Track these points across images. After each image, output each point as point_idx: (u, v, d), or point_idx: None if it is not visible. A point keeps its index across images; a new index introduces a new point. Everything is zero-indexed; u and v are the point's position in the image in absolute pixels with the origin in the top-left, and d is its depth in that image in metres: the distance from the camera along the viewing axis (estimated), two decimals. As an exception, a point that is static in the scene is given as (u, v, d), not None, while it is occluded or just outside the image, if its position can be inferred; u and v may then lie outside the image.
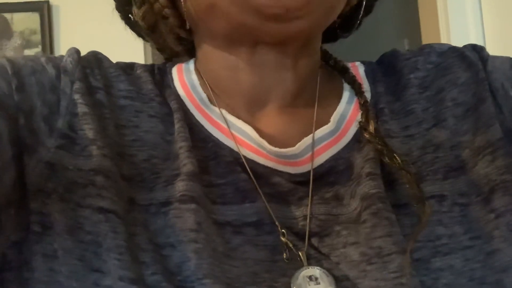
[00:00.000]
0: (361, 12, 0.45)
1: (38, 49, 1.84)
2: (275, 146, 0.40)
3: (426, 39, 1.83)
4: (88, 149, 0.37)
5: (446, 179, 0.40)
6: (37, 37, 1.84)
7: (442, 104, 0.43)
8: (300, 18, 0.38)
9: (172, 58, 0.50)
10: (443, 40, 1.69)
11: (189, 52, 0.47)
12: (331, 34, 0.47)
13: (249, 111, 0.42)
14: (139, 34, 0.50)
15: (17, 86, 0.38)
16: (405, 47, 2.47)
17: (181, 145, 0.39)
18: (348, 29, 0.48)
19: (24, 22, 1.85)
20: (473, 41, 1.65)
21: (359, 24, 0.47)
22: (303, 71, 0.43)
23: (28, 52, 1.84)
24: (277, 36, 0.39)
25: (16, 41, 1.85)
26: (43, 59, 0.41)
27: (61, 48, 1.85)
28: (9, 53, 1.85)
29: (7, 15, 1.85)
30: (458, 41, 1.66)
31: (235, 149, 0.40)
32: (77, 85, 0.40)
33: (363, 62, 0.48)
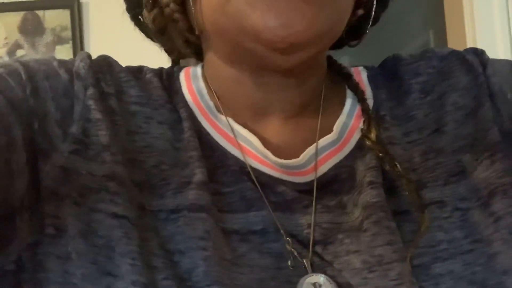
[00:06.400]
0: (370, 23, 0.45)
1: (69, 45, 1.87)
2: (280, 157, 0.40)
3: (451, 30, 1.81)
4: (101, 155, 0.38)
5: (447, 185, 0.41)
6: (68, 34, 1.87)
7: (443, 109, 0.44)
8: (304, 50, 0.38)
9: (180, 60, 0.51)
10: (468, 31, 1.67)
11: (197, 54, 0.48)
12: (338, 41, 0.47)
13: (254, 120, 0.43)
14: (148, 36, 0.50)
15: (31, 91, 0.38)
16: (430, 38, 2.44)
17: (191, 155, 0.40)
18: (354, 38, 0.47)
19: (56, 19, 1.88)
20: (499, 32, 1.63)
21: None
22: (308, 87, 0.43)
23: (59, 48, 1.88)
24: (281, 66, 0.40)
25: (48, 37, 1.88)
26: (55, 63, 0.41)
27: (91, 44, 1.89)
28: (42, 49, 1.89)
29: (39, 13, 1.88)
30: (483, 32, 1.64)
31: (241, 158, 0.41)
32: (90, 90, 0.40)
33: (366, 67, 0.48)
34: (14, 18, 1.89)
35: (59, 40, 1.89)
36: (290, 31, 0.36)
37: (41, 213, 0.36)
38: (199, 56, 0.48)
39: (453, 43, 1.79)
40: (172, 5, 0.43)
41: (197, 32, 0.43)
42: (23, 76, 0.39)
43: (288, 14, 0.36)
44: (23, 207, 0.35)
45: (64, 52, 1.87)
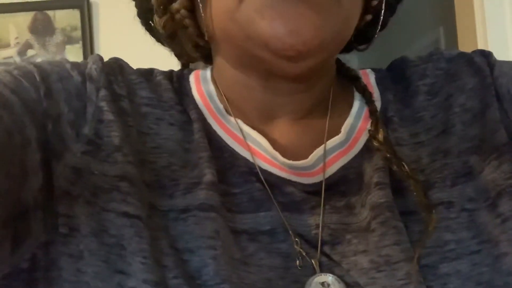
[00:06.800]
0: (378, 28, 0.45)
1: (79, 45, 1.89)
2: (288, 158, 0.41)
3: (461, 27, 1.80)
4: (113, 156, 0.38)
5: (455, 186, 0.41)
6: (78, 33, 1.88)
7: (450, 110, 0.44)
8: (312, 57, 0.38)
9: (189, 63, 0.52)
10: (479, 28, 1.66)
11: (206, 58, 0.48)
12: (346, 45, 0.47)
13: (263, 122, 0.43)
14: (158, 40, 0.51)
15: (45, 92, 0.39)
16: (441, 35, 2.43)
17: (201, 155, 0.40)
18: (363, 42, 0.48)
19: (66, 19, 1.89)
20: (509, 28, 1.62)
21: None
22: (317, 91, 0.44)
23: (69, 47, 1.90)
24: (289, 73, 0.40)
25: (58, 37, 1.90)
26: (68, 66, 0.42)
27: (101, 44, 1.90)
28: (52, 49, 1.90)
29: (50, 13, 1.90)
30: (494, 28, 1.63)
31: (250, 159, 0.41)
32: (102, 92, 0.41)
33: (373, 69, 0.49)
34: (25, 18, 1.91)
35: (69, 40, 1.90)
36: (298, 39, 0.37)
37: (54, 213, 0.36)
38: (208, 60, 0.48)
39: (464, 40, 1.78)
40: (182, 11, 0.43)
41: (206, 38, 0.43)
42: (37, 78, 0.39)
43: (296, 22, 0.37)
44: (37, 206, 0.36)
45: (74, 52, 1.89)
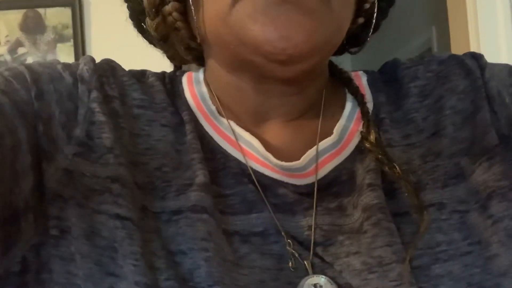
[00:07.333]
0: (370, 31, 0.45)
1: (70, 43, 1.88)
2: (281, 159, 0.41)
3: (453, 27, 1.81)
4: (105, 157, 0.38)
5: (446, 187, 0.41)
6: (69, 32, 1.88)
7: (441, 112, 0.44)
8: (303, 61, 0.39)
9: (182, 65, 0.52)
10: (471, 27, 1.67)
11: (198, 60, 0.48)
12: (338, 48, 0.47)
13: (256, 124, 0.44)
14: (151, 42, 0.51)
15: (36, 94, 0.39)
16: (433, 34, 2.44)
17: (193, 157, 0.40)
18: (355, 45, 0.48)
19: (57, 16, 1.89)
20: (502, 28, 1.62)
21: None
22: (309, 93, 0.44)
23: (60, 46, 1.89)
24: (281, 76, 0.40)
25: (49, 35, 1.89)
26: (59, 67, 0.42)
27: (92, 42, 1.90)
28: (43, 47, 1.89)
29: (41, 10, 1.89)
30: (486, 28, 1.64)
31: (243, 161, 0.41)
32: (94, 94, 0.41)
33: (365, 71, 0.49)
34: (16, 16, 1.89)
35: (60, 38, 1.89)
36: (289, 43, 0.37)
37: (45, 215, 0.36)
38: (200, 62, 0.48)
39: (456, 40, 1.78)
40: (174, 14, 0.43)
41: (198, 41, 0.43)
42: (28, 79, 0.39)
43: (287, 27, 0.37)
44: (28, 208, 0.36)
45: (65, 50, 1.88)
